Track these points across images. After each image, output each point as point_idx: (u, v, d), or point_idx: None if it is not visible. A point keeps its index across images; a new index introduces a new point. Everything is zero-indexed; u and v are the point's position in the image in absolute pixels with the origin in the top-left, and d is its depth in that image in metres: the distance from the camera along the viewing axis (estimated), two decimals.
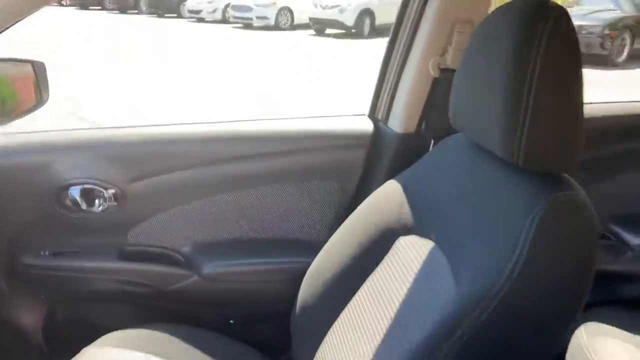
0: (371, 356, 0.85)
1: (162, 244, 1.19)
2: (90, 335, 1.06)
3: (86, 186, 1.12)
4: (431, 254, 0.85)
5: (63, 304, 1.22)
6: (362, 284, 1.00)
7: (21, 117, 1.18)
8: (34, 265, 1.14)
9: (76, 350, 1.01)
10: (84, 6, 13.83)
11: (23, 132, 1.12)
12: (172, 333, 1.08)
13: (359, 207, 1.07)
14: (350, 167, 1.20)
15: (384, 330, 0.85)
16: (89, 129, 1.16)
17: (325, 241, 1.11)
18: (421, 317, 0.79)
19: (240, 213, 1.20)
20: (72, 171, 1.11)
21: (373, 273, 0.98)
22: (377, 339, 0.86)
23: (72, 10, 13.39)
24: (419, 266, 0.86)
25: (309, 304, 1.07)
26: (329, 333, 1.01)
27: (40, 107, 1.23)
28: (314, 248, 1.14)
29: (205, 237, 1.20)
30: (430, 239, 0.88)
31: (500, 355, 0.71)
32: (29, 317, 1.21)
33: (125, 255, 1.18)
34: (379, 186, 1.06)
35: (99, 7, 13.97)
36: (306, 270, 1.12)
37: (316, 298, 1.06)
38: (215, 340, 1.12)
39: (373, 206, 1.03)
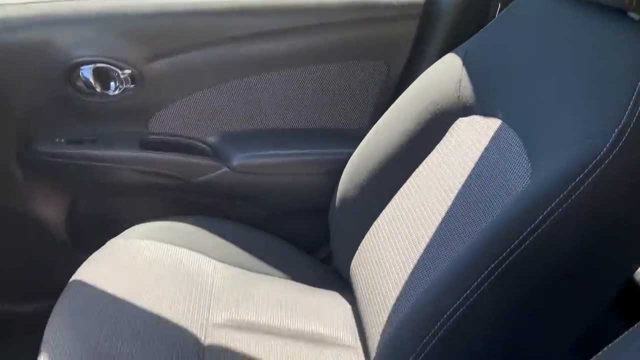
0: (420, 252, 0.76)
1: (186, 133, 1.09)
2: (114, 229, 0.99)
3: (99, 65, 0.99)
4: (499, 134, 0.73)
5: (85, 196, 1.15)
6: (410, 174, 0.89)
7: None
8: (50, 153, 1.05)
9: (102, 245, 0.95)
10: None
11: (22, 3, 0.98)
12: (202, 225, 1.00)
13: (408, 89, 0.94)
14: (399, 42, 1.05)
15: (437, 225, 0.76)
16: None
17: (368, 130, 0.99)
18: (484, 208, 0.68)
19: (273, 98, 1.07)
20: (81, 48, 0.98)
21: (424, 161, 0.87)
22: (428, 234, 0.76)
23: None
24: (482, 150, 0.75)
25: (349, 196, 0.98)
26: (371, 229, 0.92)
27: None
28: (355, 137, 1.03)
29: (234, 126, 1.09)
30: (497, 117, 0.75)
31: (571, 261, 0.59)
32: (50, 211, 1.14)
33: (148, 145, 1.07)
34: (431, 64, 0.92)
35: None
36: (346, 162, 1.01)
37: (358, 190, 0.96)
38: (248, 233, 1.04)
39: (425, 86, 0.90)
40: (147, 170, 1.08)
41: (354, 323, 0.93)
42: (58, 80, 0.99)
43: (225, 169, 1.08)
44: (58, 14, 0.97)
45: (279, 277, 0.99)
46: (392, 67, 1.06)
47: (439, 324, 0.58)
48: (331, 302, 0.97)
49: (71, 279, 0.86)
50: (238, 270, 0.96)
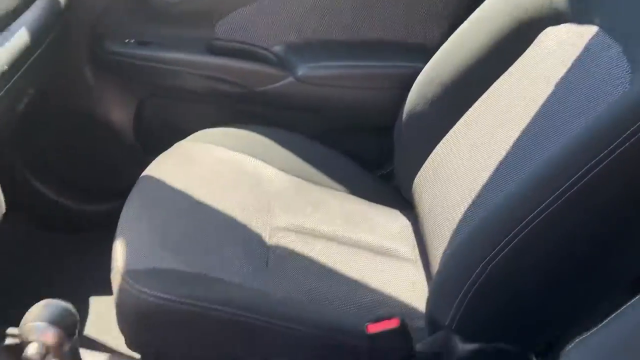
0: (495, 164, 0.73)
1: (253, 40, 1.07)
2: (178, 134, 1.00)
3: None
4: (595, 42, 0.68)
5: (151, 100, 1.16)
6: (488, 87, 0.85)
7: None
8: (120, 53, 1.06)
9: (166, 148, 0.97)
10: None
11: None
12: (265, 134, 1.00)
13: (484, 3, 0.87)
14: None
15: (516, 136, 0.72)
16: None
17: (441, 43, 0.94)
18: (571, 118, 0.64)
19: (344, 7, 1.03)
20: None
21: (505, 73, 0.82)
22: (505, 147, 0.73)
23: None
24: (574, 59, 0.70)
25: (417, 111, 0.94)
26: (441, 143, 0.90)
27: None
28: (427, 51, 0.98)
29: (302, 35, 1.06)
30: (593, 24, 0.69)
31: None
32: (118, 113, 1.16)
33: (214, 50, 1.06)
34: None
35: None
36: (414, 77, 0.97)
37: (427, 105, 0.93)
38: (309, 145, 1.04)
39: None
40: (212, 76, 1.07)
41: (414, 239, 0.92)
42: None
43: (290, 78, 1.06)
44: None
45: (338, 190, 0.99)
46: None
47: (513, 232, 0.56)
48: (391, 218, 0.96)
49: (141, 175, 0.88)
50: (298, 180, 0.97)
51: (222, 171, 0.91)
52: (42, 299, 0.55)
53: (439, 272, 0.68)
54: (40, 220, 1.20)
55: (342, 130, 1.12)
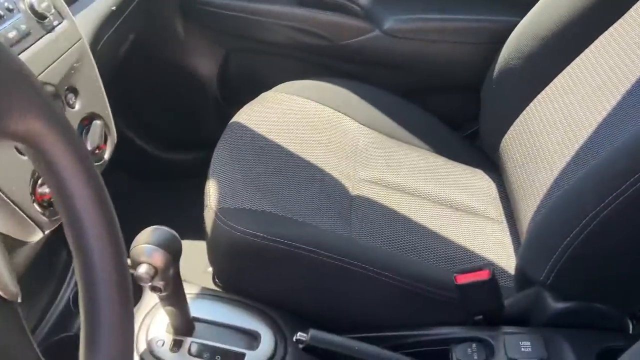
0: (588, 134, 0.70)
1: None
2: (261, 87, 1.01)
3: None
4: None
5: (237, 53, 1.18)
6: (588, 44, 0.80)
7: None
8: (209, 2, 1.07)
9: (248, 101, 0.98)
10: None
11: None
12: (349, 88, 1.00)
13: None
14: None
15: (612, 107, 0.68)
16: None
17: None
18: None
19: None
20: None
21: (608, 31, 0.77)
22: (598, 117, 0.69)
23: None
24: None
25: (511, 67, 0.91)
26: (531, 104, 0.86)
27: None
28: (522, 5, 0.93)
29: None
30: None
31: None
32: (205, 65, 1.19)
33: (301, 1, 1.06)
34: None
35: None
36: (509, 31, 0.93)
37: (522, 60, 0.89)
38: (393, 101, 1.02)
39: None
40: (297, 27, 1.07)
41: (499, 199, 0.90)
42: None
43: (376, 31, 1.04)
44: None
45: (421, 147, 0.98)
46: None
47: (622, 188, 0.54)
48: (475, 177, 0.94)
49: (230, 121, 0.91)
50: (381, 135, 0.96)
51: (307, 121, 0.92)
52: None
53: (535, 226, 0.66)
54: (130, 167, 1.26)
55: (427, 87, 1.10)
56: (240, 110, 0.93)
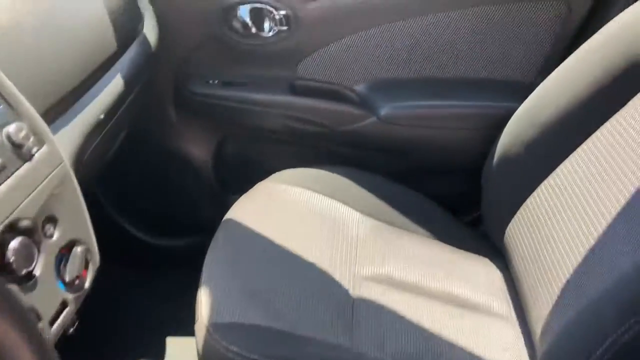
0: (599, 232, 0.66)
1: (335, 79, 1.05)
2: (258, 173, 0.99)
3: (256, 5, 0.98)
4: None
5: (232, 139, 1.17)
6: (591, 133, 0.78)
7: None
8: (203, 94, 1.07)
9: (245, 187, 0.96)
10: None
11: None
12: (346, 175, 0.98)
13: (596, 35, 0.81)
14: None
15: (624, 203, 0.65)
16: None
17: (536, 83, 0.89)
18: None
19: (430, 43, 0.99)
20: None
21: (611, 120, 0.75)
22: (610, 212, 0.66)
23: None
24: None
25: (511, 154, 0.89)
26: (536, 193, 0.83)
27: None
28: (520, 91, 0.93)
29: (385, 73, 1.03)
30: None
31: None
32: (199, 151, 1.18)
33: (297, 90, 1.06)
34: (626, 5, 0.79)
35: None
36: (507, 118, 0.92)
37: (522, 148, 0.87)
38: (392, 187, 1.00)
39: (621, 30, 0.77)
40: (294, 116, 1.06)
41: (507, 292, 0.86)
42: (216, 21, 0.99)
43: (372, 118, 1.03)
44: None
45: (423, 235, 0.94)
46: (573, 9, 0.92)
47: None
48: (481, 267, 0.90)
49: (224, 219, 0.87)
50: (381, 224, 0.93)
51: (305, 215, 0.89)
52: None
53: (550, 346, 0.62)
54: (120, 256, 1.22)
55: (426, 172, 1.08)
56: (234, 205, 0.90)
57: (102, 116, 0.71)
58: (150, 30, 0.94)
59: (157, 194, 1.23)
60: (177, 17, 1.01)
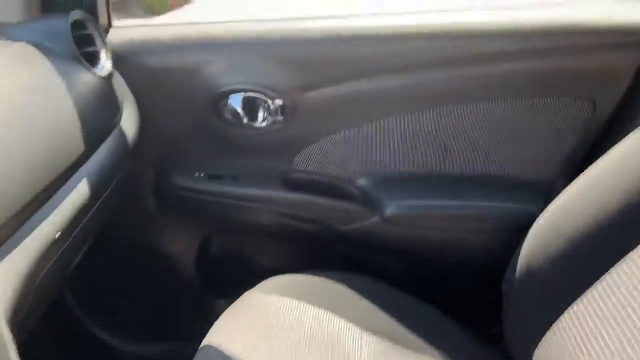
0: None
1: (335, 173, 0.95)
2: (246, 274, 0.87)
3: (249, 94, 0.89)
4: None
5: (218, 235, 1.05)
6: (634, 246, 0.67)
7: (174, 9, 0.99)
8: (188, 188, 0.96)
9: (232, 291, 0.83)
10: None
11: (173, 24, 0.91)
12: (347, 283, 0.85)
13: (630, 135, 0.72)
14: (611, 76, 0.83)
15: None
16: (253, 20, 0.91)
17: (559, 184, 0.79)
18: None
19: (441, 138, 0.90)
20: (233, 74, 0.88)
21: None
22: None
23: None
24: None
25: (535, 267, 0.77)
26: (568, 313, 0.71)
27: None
28: (540, 191, 0.83)
29: (390, 168, 0.93)
30: None
31: None
32: (181, 248, 1.05)
33: (291, 184, 0.95)
34: None
35: None
36: (527, 222, 0.81)
37: (548, 262, 0.75)
38: (399, 297, 0.87)
39: None
40: (288, 213, 0.95)
41: None
42: (204, 108, 0.91)
43: (376, 217, 0.92)
44: (211, 38, 0.89)
45: (435, 355, 0.81)
46: (598, 108, 0.84)
47: None
48: None
49: (207, 337, 0.74)
50: (387, 344, 0.80)
51: (297, 333, 0.76)
52: None
53: None
54: None
55: (438, 279, 0.95)
56: (217, 322, 0.77)
57: (57, 235, 0.59)
58: (129, 121, 0.84)
59: (131, 294, 1.09)
60: (161, 105, 0.92)
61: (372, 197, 0.93)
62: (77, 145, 0.66)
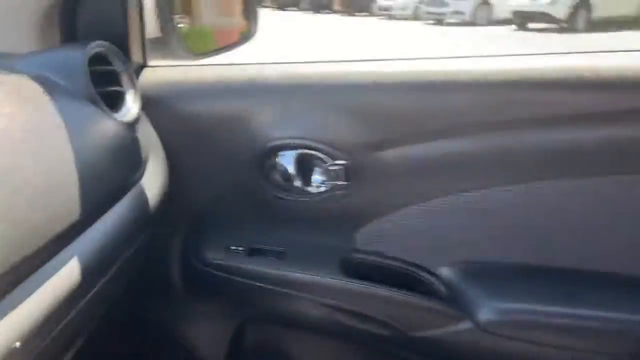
0: None
1: (410, 258, 0.73)
2: None
3: (304, 151, 0.70)
4: None
5: (254, 327, 0.83)
6: None
7: (221, 52, 0.84)
8: (220, 266, 0.76)
9: None
10: (281, 6, 14.55)
11: (218, 64, 0.75)
12: None
13: None
14: None
15: None
16: (313, 62, 0.73)
17: None
18: None
19: (556, 217, 0.67)
20: (286, 126, 0.70)
21: None
22: None
23: (269, 12, 14.11)
24: None
25: None
26: None
27: (245, 41, 0.89)
28: None
29: (483, 253, 0.70)
30: None
31: None
32: (208, 339, 0.84)
33: (351, 269, 0.73)
34: None
35: (295, 8, 14.60)
36: None
37: None
38: None
39: None
40: (344, 307, 0.73)
41: None
42: (248, 166, 0.72)
43: (467, 323, 0.68)
44: (263, 80, 0.71)
45: None
46: None
47: None
48: None
49: None
50: None
51: None
52: None
53: None
54: None
55: None
56: None
57: (17, 345, 0.40)
58: (153, 178, 0.66)
59: None
60: (196, 160, 0.74)
61: (461, 294, 0.69)
62: (77, 206, 0.48)
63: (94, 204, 0.53)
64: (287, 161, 0.71)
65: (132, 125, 0.63)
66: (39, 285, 0.44)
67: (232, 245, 0.77)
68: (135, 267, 0.67)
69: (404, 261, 0.72)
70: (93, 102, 0.58)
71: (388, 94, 0.67)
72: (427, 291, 0.71)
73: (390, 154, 0.68)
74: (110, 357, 0.83)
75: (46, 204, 0.46)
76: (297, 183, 0.72)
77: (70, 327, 0.50)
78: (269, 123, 0.70)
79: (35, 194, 0.45)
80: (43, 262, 0.46)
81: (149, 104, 0.69)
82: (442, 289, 0.71)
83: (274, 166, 0.72)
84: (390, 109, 0.67)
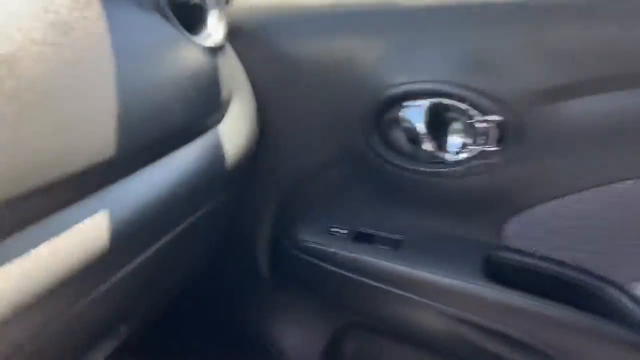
0: None
1: (582, 261, 0.51)
2: None
3: (439, 101, 0.51)
4: None
5: (356, 333, 0.66)
6: None
7: None
8: (318, 250, 0.59)
9: None
10: None
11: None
12: None
13: None
14: None
15: None
16: None
17: None
18: None
19: None
20: (413, 66, 0.51)
21: None
22: None
23: None
24: None
25: None
26: None
27: None
28: None
29: None
30: None
31: None
32: (299, 343, 0.69)
33: (495, 269, 0.53)
34: None
35: None
36: None
37: None
38: None
39: None
40: (479, 323, 0.52)
41: None
42: (360, 123, 0.54)
43: None
44: (382, 7, 0.53)
45: None
46: None
47: None
48: None
49: None
50: None
51: None
52: None
53: None
54: None
55: None
56: None
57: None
58: (236, 125, 0.51)
59: None
60: (290, 113, 0.58)
61: None
62: (119, 139, 0.35)
63: (149, 142, 0.39)
64: (415, 115, 0.52)
65: (213, 52, 0.49)
66: (54, 234, 0.31)
67: (334, 227, 0.60)
68: (201, 243, 0.53)
69: (576, 267, 0.51)
70: (163, 16, 0.44)
71: (580, 20, 0.46)
72: (609, 313, 0.49)
73: (568, 108, 0.47)
74: None
75: (81, 130, 0.33)
76: (428, 146, 0.53)
77: (102, 303, 0.37)
78: (390, 62, 0.52)
79: (71, 114, 0.32)
80: (66, 202, 0.32)
81: (237, 34, 0.55)
82: (628, 308, 0.48)
83: (395, 122, 0.53)
84: (581, 41, 0.46)
